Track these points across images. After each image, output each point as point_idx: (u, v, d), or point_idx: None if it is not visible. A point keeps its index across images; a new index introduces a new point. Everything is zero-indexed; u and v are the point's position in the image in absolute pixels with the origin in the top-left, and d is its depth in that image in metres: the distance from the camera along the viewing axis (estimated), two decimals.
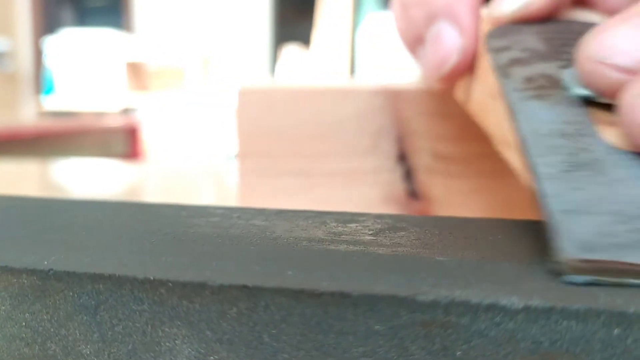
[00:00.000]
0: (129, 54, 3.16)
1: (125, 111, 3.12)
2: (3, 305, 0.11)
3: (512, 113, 0.15)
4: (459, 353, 0.09)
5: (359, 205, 0.24)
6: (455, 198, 0.23)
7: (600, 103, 0.14)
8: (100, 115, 2.97)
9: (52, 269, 0.11)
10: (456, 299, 0.09)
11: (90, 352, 0.10)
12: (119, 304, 0.10)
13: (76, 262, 0.11)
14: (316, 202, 0.25)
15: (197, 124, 2.93)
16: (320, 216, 0.14)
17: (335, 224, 0.14)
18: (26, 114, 3.52)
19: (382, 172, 0.24)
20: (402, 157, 0.24)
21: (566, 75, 0.15)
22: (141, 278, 0.10)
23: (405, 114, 0.23)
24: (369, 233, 0.13)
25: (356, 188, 0.25)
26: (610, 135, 0.13)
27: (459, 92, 0.20)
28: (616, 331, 0.08)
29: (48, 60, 3.41)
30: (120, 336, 0.10)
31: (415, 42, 0.20)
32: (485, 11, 0.19)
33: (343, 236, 0.12)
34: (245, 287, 0.09)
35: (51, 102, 3.34)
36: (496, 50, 0.18)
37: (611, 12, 0.17)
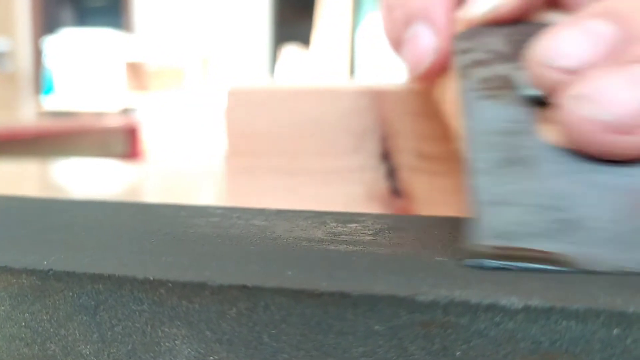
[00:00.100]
0: (129, 54, 3.16)
1: (125, 111, 3.12)
2: (3, 306, 0.11)
3: (463, 112, 0.16)
4: (458, 353, 0.09)
5: (344, 202, 0.25)
6: (437, 196, 0.24)
7: (548, 103, 0.15)
8: (99, 115, 2.97)
9: (51, 269, 0.11)
10: (456, 299, 0.09)
11: (89, 352, 0.10)
12: (118, 304, 0.10)
13: (76, 262, 0.11)
14: (302, 200, 0.26)
15: (197, 124, 2.93)
16: (320, 216, 0.14)
17: (335, 224, 0.14)
18: (26, 114, 3.52)
19: (366, 170, 0.24)
20: (386, 156, 0.24)
21: (518, 77, 0.16)
22: (141, 278, 0.10)
23: (389, 114, 0.24)
24: (369, 233, 0.13)
25: (341, 186, 0.25)
26: (550, 133, 0.14)
27: (436, 93, 0.21)
28: (616, 331, 0.08)
29: (48, 60, 3.40)
30: (119, 336, 0.10)
31: (398, 43, 0.21)
32: (459, 13, 0.20)
33: (343, 236, 0.12)
34: (245, 287, 0.09)
35: (51, 102, 3.34)
36: (461, 52, 0.19)
37: None
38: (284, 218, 0.14)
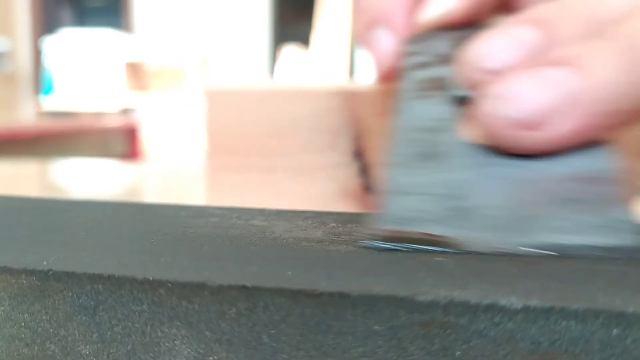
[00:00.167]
0: (128, 54, 3.16)
1: (125, 111, 3.12)
2: (2, 306, 0.11)
3: (395, 110, 0.17)
4: (458, 353, 0.09)
5: (318, 198, 0.26)
6: None
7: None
8: (99, 115, 2.97)
9: (51, 270, 0.11)
10: (455, 299, 0.09)
11: (89, 353, 0.10)
12: (118, 305, 0.10)
13: (75, 263, 0.11)
14: (279, 195, 0.27)
15: (197, 124, 2.92)
16: (319, 216, 0.14)
17: (334, 224, 0.14)
18: (25, 114, 3.52)
19: (340, 167, 0.25)
20: (359, 154, 0.25)
21: (451, 78, 0.17)
22: (140, 278, 0.10)
23: (361, 113, 0.25)
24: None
25: (315, 182, 0.26)
26: (469, 130, 0.15)
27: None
28: (615, 331, 0.08)
29: (47, 61, 3.40)
30: (119, 336, 0.10)
31: (364, 44, 0.22)
32: (416, 18, 0.21)
33: (342, 236, 0.12)
34: (244, 287, 0.09)
35: (50, 102, 3.34)
36: (408, 54, 0.20)
37: None
38: (284, 218, 0.14)
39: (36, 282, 0.11)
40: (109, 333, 0.10)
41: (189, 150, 2.89)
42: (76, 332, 0.10)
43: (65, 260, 0.11)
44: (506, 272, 0.10)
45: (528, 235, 0.12)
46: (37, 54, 3.57)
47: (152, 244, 0.12)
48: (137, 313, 0.10)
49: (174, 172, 0.54)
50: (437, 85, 0.17)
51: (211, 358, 0.10)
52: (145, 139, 2.71)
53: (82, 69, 3.26)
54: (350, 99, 0.25)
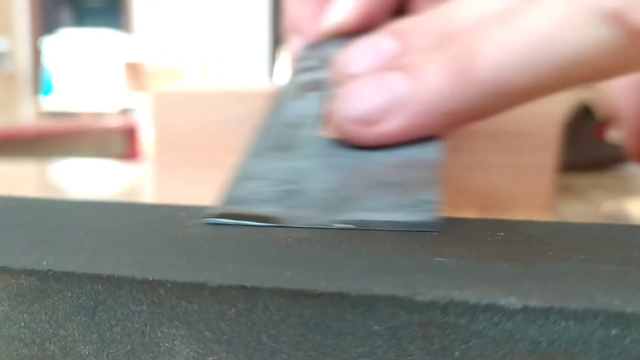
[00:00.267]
0: (128, 55, 3.16)
1: (124, 111, 3.12)
2: (2, 306, 0.11)
3: (269, 110, 0.19)
4: (457, 353, 0.09)
5: None
6: None
7: None
8: (99, 115, 2.97)
9: (50, 270, 0.11)
10: (454, 299, 0.09)
11: (89, 353, 0.10)
12: (117, 305, 0.10)
13: (75, 263, 0.11)
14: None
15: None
16: None
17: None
18: (25, 115, 3.52)
19: None
20: None
21: (327, 80, 0.19)
22: (140, 278, 0.10)
23: None
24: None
25: None
26: (327, 126, 0.17)
27: None
28: (614, 331, 0.08)
29: (47, 61, 3.40)
30: (118, 337, 0.10)
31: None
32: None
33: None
34: (244, 287, 0.09)
35: (50, 103, 3.34)
36: (300, 59, 0.23)
37: None
38: None
39: (36, 283, 0.11)
40: (108, 333, 0.10)
41: None
42: (76, 332, 0.11)
43: (65, 260, 0.11)
44: (505, 272, 0.10)
45: (342, 213, 0.13)
46: (36, 54, 3.57)
47: (152, 244, 0.12)
48: (136, 313, 0.10)
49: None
50: (316, 87, 0.19)
51: (210, 358, 0.10)
52: (145, 139, 2.70)
53: (82, 69, 3.25)
54: None
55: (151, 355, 0.10)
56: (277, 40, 2.99)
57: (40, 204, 0.16)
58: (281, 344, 0.09)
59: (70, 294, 0.10)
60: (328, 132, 0.17)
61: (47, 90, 3.41)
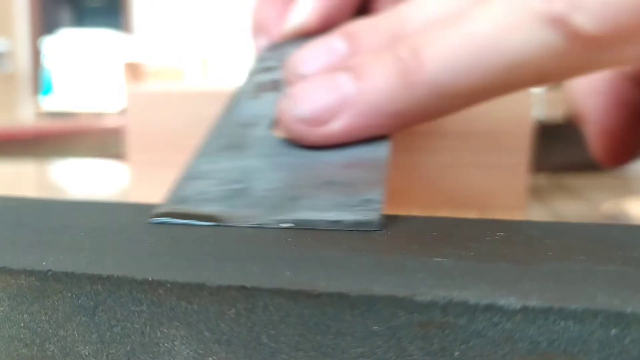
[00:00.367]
0: (128, 55, 3.16)
1: (124, 112, 3.11)
2: (1, 307, 0.11)
3: (224, 109, 0.19)
4: (457, 353, 0.09)
5: None
6: None
7: None
8: (98, 115, 2.97)
9: (50, 270, 0.11)
10: (454, 299, 0.09)
11: (88, 353, 0.10)
12: (117, 305, 0.10)
13: (75, 263, 0.11)
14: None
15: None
16: None
17: None
18: (24, 115, 3.51)
19: None
20: None
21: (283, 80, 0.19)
22: (139, 279, 0.10)
23: None
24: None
25: None
26: (280, 126, 0.17)
27: None
28: (614, 331, 0.08)
29: (46, 61, 3.40)
30: (118, 337, 0.10)
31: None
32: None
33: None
34: (243, 287, 0.09)
35: (49, 103, 3.34)
36: (260, 60, 0.22)
37: None
38: None
39: (35, 283, 0.11)
40: (108, 333, 0.10)
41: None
42: (75, 332, 0.11)
43: (65, 260, 0.11)
44: (505, 273, 0.10)
45: (287, 213, 0.13)
46: (36, 54, 3.57)
47: (151, 244, 0.12)
48: (136, 313, 0.10)
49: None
50: (274, 87, 0.19)
51: (210, 358, 0.10)
52: None
53: (81, 69, 3.25)
54: None
55: (151, 355, 0.10)
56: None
57: (40, 204, 0.16)
58: (281, 344, 0.09)
59: (70, 294, 0.10)
60: (279, 132, 0.17)
61: (47, 90, 3.40)
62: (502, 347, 0.09)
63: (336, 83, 0.15)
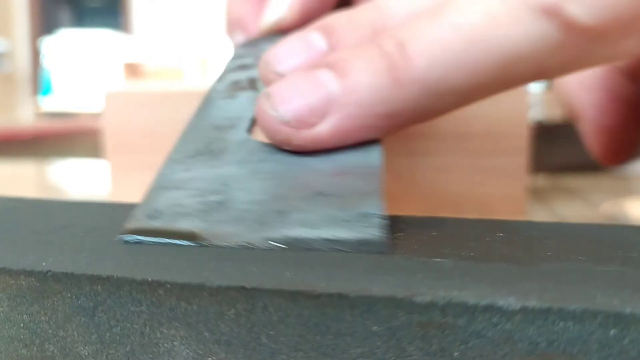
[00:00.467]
0: (127, 55, 3.16)
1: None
2: (1, 307, 0.11)
3: (196, 110, 0.17)
4: (456, 354, 0.09)
5: None
6: None
7: None
8: (98, 116, 2.96)
9: (50, 270, 0.11)
10: (453, 299, 0.09)
11: (88, 354, 0.10)
12: (117, 305, 0.10)
13: (74, 264, 0.11)
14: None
15: None
16: None
17: None
18: (24, 115, 3.51)
19: None
20: None
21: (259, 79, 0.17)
22: (139, 279, 0.10)
23: None
24: None
25: None
26: (258, 128, 0.15)
27: None
28: (613, 332, 0.08)
29: (46, 61, 3.40)
30: (118, 337, 0.10)
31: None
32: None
33: None
34: (243, 288, 0.09)
35: (49, 103, 3.34)
36: (234, 57, 0.21)
37: None
38: None
39: (35, 283, 0.11)
40: (107, 334, 0.10)
41: None
42: (75, 333, 0.11)
43: (64, 261, 0.11)
44: (504, 273, 0.10)
45: (276, 230, 0.12)
46: (35, 54, 3.57)
47: (151, 244, 0.12)
48: (136, 314, 0.10)
49: None
50: (249, 86, 0.18)
51: (210, 359, 0.10)
52: None
53: (81, 69, 3.25)
54: None
55: (150, 355, 0.10)
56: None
57: (39, 205, 0.16)
58: (280, 345, 0.09)
59: (69, 295, 0.10)
60: (257, 136, 0.15)
61: (46, 90, 3.40)
62: (502, 347, 0.09)
63: (318, 81, 0.14)
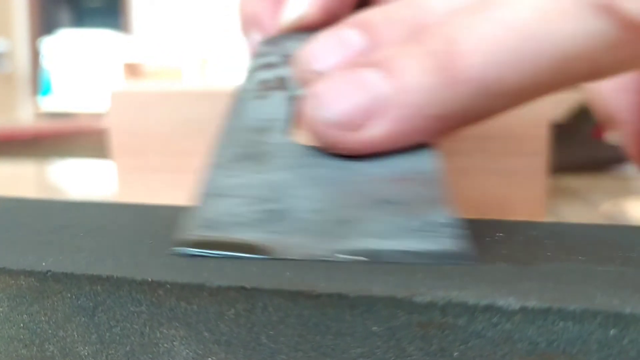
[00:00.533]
0: (127, 55, 3.16)
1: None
2: (1, 307, 0.11)
3: (228, 110, 0.17)
4: (456, 354, 0.09)
5: None
6: None
7: None
8: (97, 116, 2.96)
9: (50, 271, 0.11)
10: (453, 300, 0.09)
11: (88, 354, 0.10)
12: (117, 305, 0.10)
13: (74, 264, 0.11)
14: (188, 197, 0.26)
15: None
16: None
17: None
18: (23, 115, 3.51)
19: None
20: None
21: (290, 78, 0.17)
22: (139, 279, 0.10)
23: None
24: None
25: None
26: (300, 130, 0.15)
27: None
28: (612, 332, 0.08)
29: (45, 61, 3.40)
30: (118, 337, 0.10)
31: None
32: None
33: None
34: (243, 288, 0.09)
35: (48, 103, 3.34)
36: (258, 55, 0.20)
37: None
38: None
39: (35, 283, 0.11)
40: (107, 334, 0.10)
41: None
42: (75, 333, 0.11)
43: (64, 261, 0.11)
44: (504, 273, 0.10)
45: (343, 241, 0.11)
46: (35, 54, 3.57)
47: (151, 245, 0.12)
48: (135, 314, 0.10)
49: None
50: (278, 86, 0.17)
51: (210, 359, 0.10)
52: None
53: (80, 69, 3.25)
54: None
55: (150, 356, 0.10)
56: None
57: (39, 205, 0.16)
58: (280, 345, 0.09)
59: (69, 295, 0.10)
60: (301, 138, 0.15)
61: (46, 90, 3.40)
62: (502, 347, 0.09)
63: (366, 81, 0.14)
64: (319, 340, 0.09)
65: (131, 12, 3.47)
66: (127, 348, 0.10)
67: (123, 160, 0.27)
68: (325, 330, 0.09)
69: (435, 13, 0.15)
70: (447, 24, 0.14)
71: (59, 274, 0.10)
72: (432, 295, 0.09)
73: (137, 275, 0.10)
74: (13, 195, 0.18)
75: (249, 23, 0.23)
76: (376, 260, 0.11)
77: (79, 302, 0.10)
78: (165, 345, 0.10)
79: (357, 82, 0.14)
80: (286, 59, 0.18)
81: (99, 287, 0.10)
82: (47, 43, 3.35)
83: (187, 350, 0.10)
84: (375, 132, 0.13)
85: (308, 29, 0.20)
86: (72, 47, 3.27)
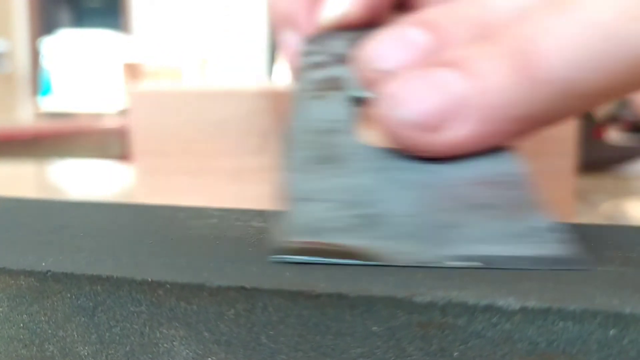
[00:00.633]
0: (127, 55, 3.16)
1: (123, 112, 3.12)
2: (1, 307, 0.11)
3: (292, 111, 0.16)
4: (456, 354, 0.09)
5: (249, 200, 0.26)
6: None
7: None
8: (97, 116, 2.97)
9: (50, 271, 0.11)
10: (453, 300, 0.09)
11: (88, 354, 0.10)
12: (116, 306, 0.10)
13: (74, 264, 0.11)
14: (211, 199, 0.27)
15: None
16: None
17: None
18: (23, 115, 3.51)
19: (271, 170, 0.25)
20: None
21: (348, 78, 0.17)
22: (139, 279, 0.10)
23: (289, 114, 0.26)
24: None
25: (248, 185, 0.26)
26: (369, 131, 0.15)
27: None
28: (612, 332, 0.08)
29: (45, 61, 3.40)
30: (118, 337, 0.10)
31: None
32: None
33: None
34: (243, 288, 0.09)
35: (48, 103, 3.34)
36: (306, 54, 0.20)
37: None
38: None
39: (35, 283, 0.11)
40: (107, 334, 0.10)
41: None
42: (75, 333, 0.11)
43: (64, 261, 0.11)
44: (504, 273, 0.10)
45: (450, 246, 0.11)
46: (35, 54, 3.57)
47: (150, 245, 0.12)
48: (135, 314, 0.10)
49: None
50: (333, 85, 0.17)
51: (210, 359, 0.10)
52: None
53: (80, 69, 3.25)
54: (277, 100, 0.25)
55: (150, 356, 0.10)
56: (276, 40, 2.98)
57: (39, 205, 0.16)
58: (280, 345, 0.09)
59: (69, 295, 0.10)
60: (372, 139, 0.14)
61: (46, 90, 3.40)
62: (501, 347, 0.09)
63: (442, 81, 0.13)
64: (319, 340, 0.09)
65: (131, 12, 3.47)
66: (127, 348, 0.10)
67: (143, 160, 0.27)
68: (325, 330, 0.09)
69: (501, 13, 0.15)
70: (522, 24, 0.13)
71: (59, 274, 0.10)
72: (432, 295, 0.09)
73: (137, 275, 0.10)
74: (13, 195, 0.18)
75: (282, 22, 0.22)
76: (489, 267, 0.10)
77: (78, 302, 0.10)
78: (165, 345, 0.10)
79: (434, 82, 0.13)
80: (336, 58, 0.18)
81: (99, 287, 0.10)
82: (47, 43, 3.35)
83: (187, 351, 0.10)
84: (456, 133, 0.13)
85: (349, 27, 0.20)
86: (72, 47, 3.27)
